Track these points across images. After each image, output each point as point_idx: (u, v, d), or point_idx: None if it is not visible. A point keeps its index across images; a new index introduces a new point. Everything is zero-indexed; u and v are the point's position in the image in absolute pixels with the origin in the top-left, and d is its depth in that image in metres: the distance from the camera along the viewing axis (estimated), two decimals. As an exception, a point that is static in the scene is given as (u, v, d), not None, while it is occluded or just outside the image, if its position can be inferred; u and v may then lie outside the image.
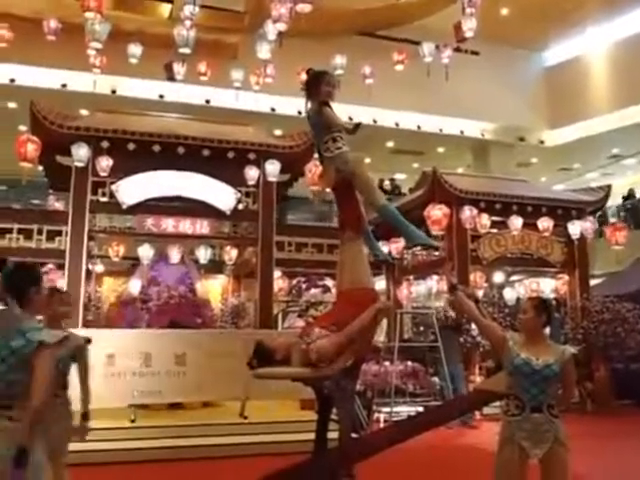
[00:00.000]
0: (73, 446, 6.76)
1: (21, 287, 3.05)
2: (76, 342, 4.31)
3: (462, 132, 19.27)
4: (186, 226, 11.13)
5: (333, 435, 4.33)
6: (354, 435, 4.33)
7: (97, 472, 6.32)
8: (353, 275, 4.27)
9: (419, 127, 18.67)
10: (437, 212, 11.34)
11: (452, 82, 11.62)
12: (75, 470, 6.30)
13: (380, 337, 11.11)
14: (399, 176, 21.75)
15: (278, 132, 13.86)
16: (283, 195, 13.98)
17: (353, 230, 4.41)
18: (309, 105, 4.48)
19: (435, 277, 13.63)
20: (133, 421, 7.50)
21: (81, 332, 9.13)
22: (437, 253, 13.06)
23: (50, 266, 11.61)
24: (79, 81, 14.86)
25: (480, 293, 12.23)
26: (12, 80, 15.15)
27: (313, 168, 11.16)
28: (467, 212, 11.79)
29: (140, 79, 15.51)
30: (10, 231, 11.99)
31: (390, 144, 19.95)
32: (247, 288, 12.71)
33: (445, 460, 7.16)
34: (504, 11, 17.74)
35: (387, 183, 19.36)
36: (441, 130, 18.98)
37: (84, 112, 14.14)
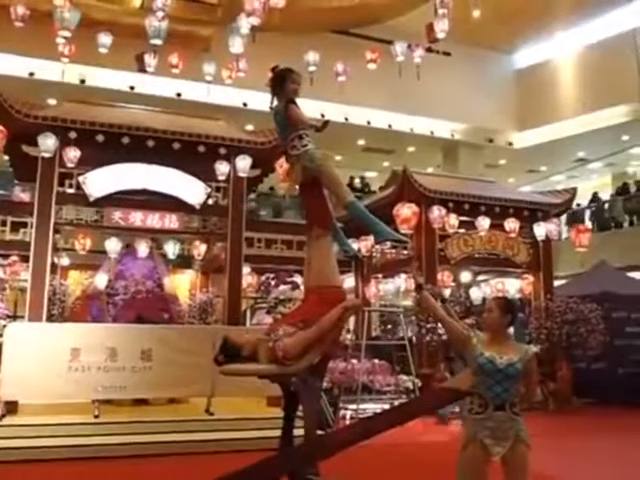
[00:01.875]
0: (34, 442, 6.71)
1: None
2: None
3: (432, 132, 19.45)
4: (155, 220, 11.01)
5: (299, 432, 4.35)
6: (320, 432, 4.36)
7: (60, 468, 6.24)
8: (321, 272, 4.29)
9: (390, 126, 18.79)
10: (406, 211, 11.42)
11: (423, 82, 11.72)
12: (37, 466, 6.24)
13: (348, 335, 11.18)
14: (369, 174, 21.87)
15: (250, 127, 13.79)
16: (253, 189, 13.95)
17: (321, 227, 4.43)
18: (275, 103, 4.48)
19: (403, 275, 13.74)
20: (97, 416, 7.39)
21: (44, 326, 9.03)
22: (405, 252, 13.17)
23: (14, 258, 11.37)
24: (47, 70, 14.57)
25: (447, 292, 12.38)
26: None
27: (284, 164, 11.15)
28: (436, 212, 11.90)
29: (110, 70, 15.26)
30: (-27, 222, 11.72)
31: (361, 142, 20.03)
32: (216, 284, 12.63)
33: (410, 457, 7.23)
34: (476, 13, 17.83)
35: (357, 181, 19.45)
36: (412, 129, 19.13)
37: (52, 102, 13.91)
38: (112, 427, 7.28)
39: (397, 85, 13.95)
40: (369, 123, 18.55)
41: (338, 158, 21.15)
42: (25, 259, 10.69)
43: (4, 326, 8.22)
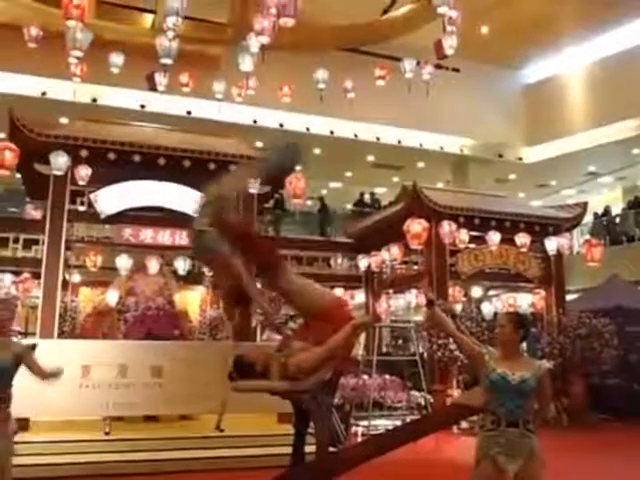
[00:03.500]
0: (45, 459, 6.69)
1: None
2: (16, 350, 4.26)
3: (442, 147, 19.47)
4: (165, 237, 11.08)
5: (310, 449, 4.33)
6: (331, 449, 4.32)
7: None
8: (314, 299, 4.27)
9: (399, 142, 18.84)
10: (416, 226, 11.41)
11: (432, 98, 11.75)
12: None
13: (359, 350, 11.12)
14: (379, 190, 21.88)
15: (260, 144, 13.88)
16: (277, 206, 13.97)
17: (277, 267, 4.28)
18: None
19: (414, 291, 13.69)
20: (108, 433, 7.38)
21: (55, 342, 9.04)
22: (416, 267, 13.14)
23: (26, 275, 11.45)
24: (59, 89, 14.75)
25: (458, 308, 12.31)
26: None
27: (294, 181, 11.19)
28: (446, 227, 11.87)
29: (121, 88, 15.43)
30: (-14, 239, 11.84)
31: (371, 158, 20.08)
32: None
33: (422, 474, 7.15)
34: (484, 29, 18.01)
35: (367, 197, 19.44)
36: (421, 145, 19.17)
37: (64, 120, 14.07)
38: (123, 444, 7.25)
39: (406, 101, 14.00)
40: (378, 139, 18.62)
41: (348, 174, 21.24)
42: (37, 276, 10.77)
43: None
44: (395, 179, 21.19)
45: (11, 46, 12.30)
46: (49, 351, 7.72)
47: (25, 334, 10.89)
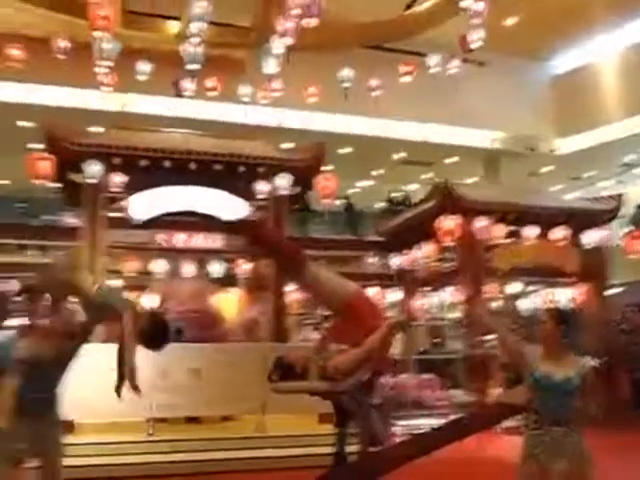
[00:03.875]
0: (91, 460, 6.81)
1: None
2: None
3: (471, 143, 19.26)
4: (199, 240, 11.18)
5: (353, 449, 4.33)
6: (374, 449, 4.32)
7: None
8: (337, 290, 4.28)
9: (428, 138, 18.69)
10: (449, 223, 11.31)
11: (460, 93, 11.69)
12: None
13: (396, 350, 11.06)
14: (409, 187, 21.77)
15: (287, 145, 13.92)
16: (304, 206, 14.01)
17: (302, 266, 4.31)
18: None
19: (448, 288, 13.57)
20: (151, 435, 7.50)
21: (100, 346, 9.16)
22: (449, 265, 13.03)
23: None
24: (90, 99, 15.02)
25: (495, 305, 12.16)
26: (25, 100, 15.29)
27: (323, 181, 11.20)
28: (480, 223, 11.73)
29: (150, 95, 15.63)
30: (26, 247, 12.13)
31: (399, 156, 19.95)
32: (261, 301, 12.69)
33: (466, 474, 7.07)
34: (510, 21, 17.76)
35: (398, 194, 19.34)
36: (450, 141, 18.98)
37: (96, 129, 14.29)
38: (166, 445, 7.36)
39: (433, 97, 13.92)
40: (406, 136, 18.49)
41: (377, 172, 21.15)
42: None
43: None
44: (425, 176, 21.03)
45: (43, 59, 12.52)
46: (95, 355, 7.89)
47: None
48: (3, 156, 17.72)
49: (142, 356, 7.68)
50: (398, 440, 8.57)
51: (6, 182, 19.32)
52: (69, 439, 7.32)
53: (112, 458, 6.97)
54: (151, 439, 7.43)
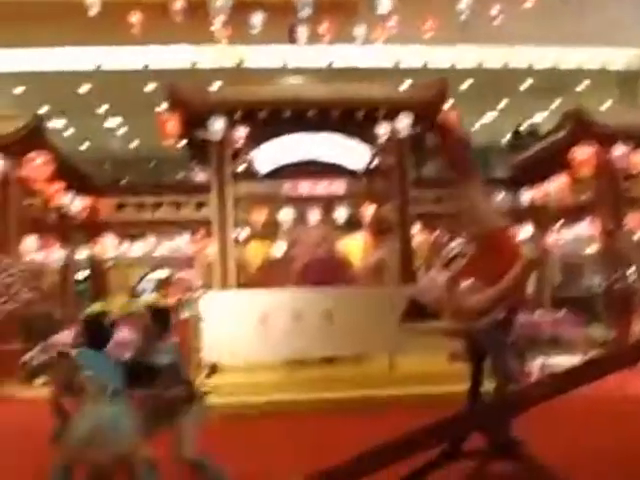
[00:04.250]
0: (233, 399, 7.31)
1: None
2: None
3: (605, 64, 17.72)
4: (322, 187, 11.33)
5: (486, 387, 4.29)
6: (508, 388, 4.25)
7: (255, 423, 6.73)
8: (479, 218, 4.20)
9: (556, 64, 17.45)
10: (583, 153, 10.61)
11: (590, 9, 10.69)
12: (237, 421, 6.80)
13: (531, 286, 10.72)
14: (538, 117, 20.54)
15: (406, 85, 13.58)
16: (418, 147, 13.73)
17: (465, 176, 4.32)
18: None
19: (585, 222, 12.82)
20: (287, 375, 7.87)
21: (235, 294, 9.72)
22: (584, 197, 12.28)
23: (200, 234, 12.37)
24: (208, 56, 15.44)
25: (636, 237, 11.36)
26: (146, 66, 16.03)
27: (444, 118, 10.87)
28: (618, 150, 10.89)
29: (265, 47, 15.77)
30: (162, 204, 12.93)
31: (526, 84, 18.83)
32: (387, 244, 12.73)
33: (606, 413, 6.81)
34: None
35: (525, 126, 18.36)
36: (581, 65, 17.59)
37: (216, 86, 14.74)
38: (301, 384, 7.71)
39: (560, 17, 12.88)
40: (532, 64, 17.38)
41: (501, 105, 20.14)
42: (210, 234, 11.58)
43: (199, 297, 8.96)
44: (554, 105, 19.74)
45: (160, 23, 12.98)
46: (229, 302, 8.38)
47: (207, 288, 11.76)
48: (134, 119, 18.87)
49: (277, 300, 8.09)
50: (533, 379, 8.41)
51: (138, 144, 20.59)
52: (215, 380, 7.93)
53: (252, 397, 7.43)
54: (287, 379, 7.81)
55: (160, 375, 3.84)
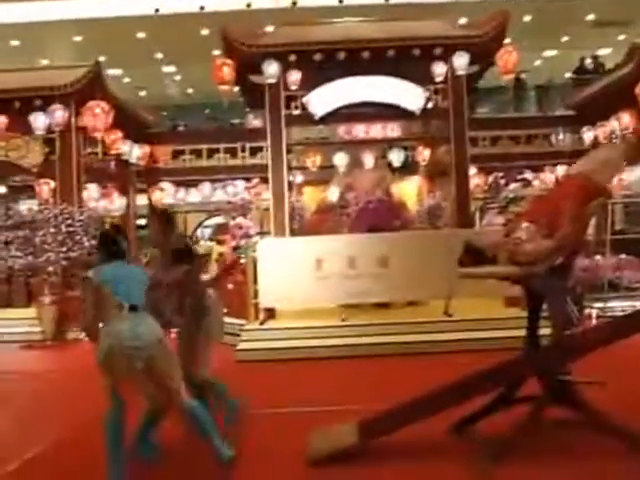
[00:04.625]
0: (290, 343, 7.53)
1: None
2: None
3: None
4: (377, 130, 11.18)
5: (544, 332, 4.27)
6: (567, 332, 4.21)
7: (311, 365, 6.93)
8: (590, 164, 4.08)
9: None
10: (652, 88, 10.05)
11: None
12: (293, 364, 7.01)
13: (591, 230, 10.42)
14: (603, 52, 19.44)
15: (463, 21, 13.06)
16: (472, 88, 13.31)
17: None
18: None
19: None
20: (343, 320, 8.00)
21: (290, 240, 9.85)
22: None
23: (255, 181, 12.48)
24: (261, -1, 15.18)
25: None
26: (202, 7, 15.88)
27: (505, 55, 10.45)
28: (691, 84, 10.27)
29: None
30: (217, 151, 13.05)
31: (591, 16, 17.77)
32: (442, 187, 12.56)
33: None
34: None
35: (589, 61, 17.43)
36: (651, -8, 16.40)
37: (270, 29, 14.53)
38: (357, 329, 7.83)
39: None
40: (598, -9, 16.32)
41: (564, 39, 19.16)
42: (265, 180, 11.67)
43: (255, 242, 9.12)
44: (621, 37, 18.60)
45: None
46: (285, 248, 8.51)
47: (262, 234, 11.96)
48: (189, 65, 18.89)
49: (332, 246, 8.16)
50: (592, 323, 8.29)
51: (193, 90, 20.63)
52: (272, 324, 8.15)
53: (308, 341, 7.61)
54: (343, 324, 7.94)
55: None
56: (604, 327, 5.02)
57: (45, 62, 16.58)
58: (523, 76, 16.92)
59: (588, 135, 12.69)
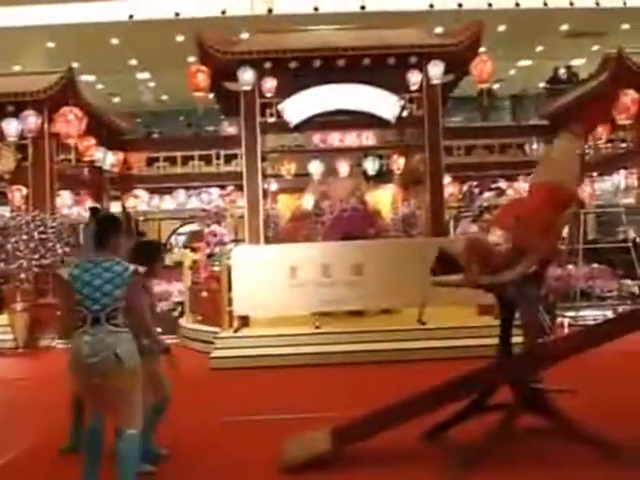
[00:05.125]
0: (264, 351, 7.46)
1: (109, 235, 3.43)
2: None
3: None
4: (352, 139, 11.19)
5: (516, 341, 4.27)
6: (538, 341, 4.22)
7: (285, 373, 6.86)
8: (557, 171, 4.08)
9: (597, 3, 16.61)
10: (624, 99, 10.21)
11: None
12: (267, 371, 6.94)
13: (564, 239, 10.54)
14: (577, 62, 19.77)
15: (439, 30, 13.16)
16: (447, 97, 13.42)
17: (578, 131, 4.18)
18: None
19: (622, 172, 12.46)
20: (317, 327, 7.94)
21: (264, 247, 9.80)
22: (624, 145, 11.89)
23: (230, 188, 12.39)
24: (237, 5, 15.13)
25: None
26: (177, 13, 15.78)
27: (479, 64, 10.54)
28: (660, 96, 10.45)
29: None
30: (192, 158, 12.94)
31: (564, 27, 18.05)
32: (417, 196, 12.61)
33: (637, 368, 6.74)
34: None
35: (563, 71, 17.68)
36: (625, 3, 16.73)
37: (245, 36, 14.50)
38: (331, 337, 7.78)
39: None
40: (572, 4, 16.58)
41: (539, 49, 19.42)
42: (240, 188, 11.59)
43: (230, 250, 9.03)
44: (595, 48, 18.93)
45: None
46: (260, 256, 8.45)
47: (236, 241, 11.87)
48: (164, 72, 18.75)
49: (306, 254, 8.11)
50: (564, 332, 8.35)
51: (167, 97, 20.48)
52: (246, 332, 8.07)
53: (282, 349, 7.55)
54: (317, 331, 7.89)
55: None
56: (576, 336, 5.04)
57: (18, 68, 16.31)
58: (496, 86, 17.13)
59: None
